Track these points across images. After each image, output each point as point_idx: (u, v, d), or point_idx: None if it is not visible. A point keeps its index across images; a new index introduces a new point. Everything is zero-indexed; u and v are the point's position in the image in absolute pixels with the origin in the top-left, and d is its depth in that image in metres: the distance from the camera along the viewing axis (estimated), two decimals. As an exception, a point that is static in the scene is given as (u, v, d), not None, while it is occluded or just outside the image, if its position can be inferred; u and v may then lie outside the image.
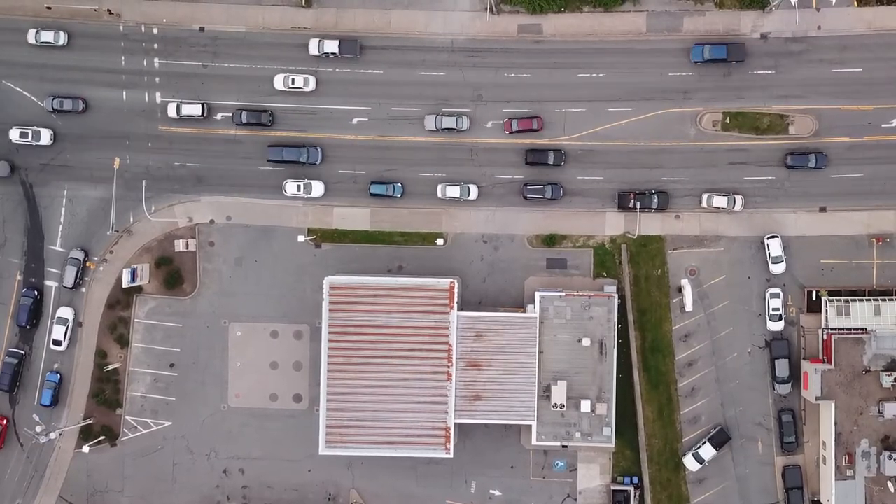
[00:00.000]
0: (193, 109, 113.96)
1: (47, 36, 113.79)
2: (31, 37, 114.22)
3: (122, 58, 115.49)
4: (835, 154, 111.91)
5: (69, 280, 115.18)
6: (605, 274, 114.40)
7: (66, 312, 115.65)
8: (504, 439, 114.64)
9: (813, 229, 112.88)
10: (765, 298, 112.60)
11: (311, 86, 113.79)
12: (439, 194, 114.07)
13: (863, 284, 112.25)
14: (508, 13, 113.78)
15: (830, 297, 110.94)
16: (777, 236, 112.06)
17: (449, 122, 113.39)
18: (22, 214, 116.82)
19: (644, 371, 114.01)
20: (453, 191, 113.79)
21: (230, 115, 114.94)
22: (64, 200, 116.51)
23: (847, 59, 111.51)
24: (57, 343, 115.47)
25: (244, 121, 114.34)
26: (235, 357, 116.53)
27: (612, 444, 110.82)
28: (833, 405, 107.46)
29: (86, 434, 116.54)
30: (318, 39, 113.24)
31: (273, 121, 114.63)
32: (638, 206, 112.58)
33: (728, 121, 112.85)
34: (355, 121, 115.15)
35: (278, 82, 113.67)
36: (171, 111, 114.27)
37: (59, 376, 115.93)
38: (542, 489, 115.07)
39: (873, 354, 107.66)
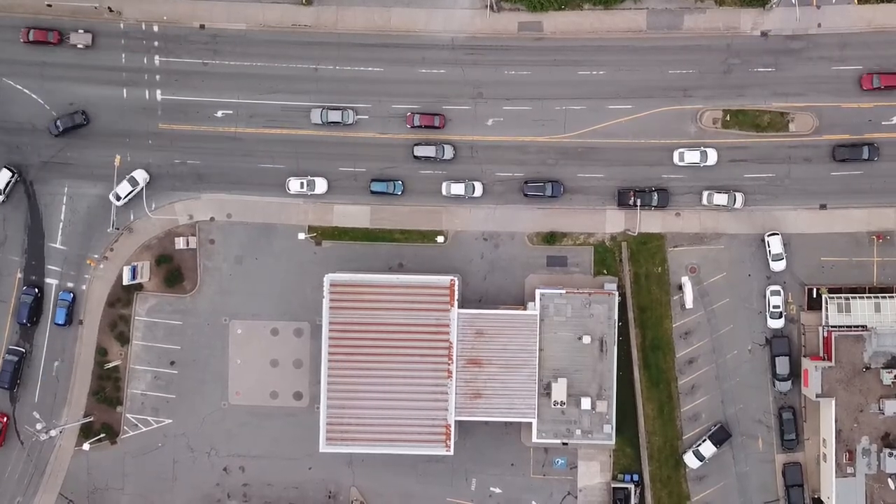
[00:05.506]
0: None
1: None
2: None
3: (123, 55, 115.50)
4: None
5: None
6: (605, 271, 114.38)
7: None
8: (504, 437, 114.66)
9: (813, 227, 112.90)
10: (765, 296, 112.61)
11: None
12: (444, 192, 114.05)
13: (863, 282, 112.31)
14: (509, 11, 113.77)
15: (831, 295, 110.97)
16: (777, 234, 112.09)
17: (334, 116, 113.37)
18: (22, 212, 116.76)
19: (644, 368, 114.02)
20: (458, 188, 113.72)
21: (231, 112, 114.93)
22: (64, 198, 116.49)
23: (847, 57, 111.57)
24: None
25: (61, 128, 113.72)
26: (236, 355, 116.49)
27: (613, 442, 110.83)
28: (833, 402, 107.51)
29: (86, 432, 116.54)
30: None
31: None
32: (638, 203, 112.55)
33: (728, 118, 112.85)
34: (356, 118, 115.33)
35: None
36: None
37: (72, 295, 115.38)
38: (543, 487, 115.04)
39: (873, 352, 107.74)
